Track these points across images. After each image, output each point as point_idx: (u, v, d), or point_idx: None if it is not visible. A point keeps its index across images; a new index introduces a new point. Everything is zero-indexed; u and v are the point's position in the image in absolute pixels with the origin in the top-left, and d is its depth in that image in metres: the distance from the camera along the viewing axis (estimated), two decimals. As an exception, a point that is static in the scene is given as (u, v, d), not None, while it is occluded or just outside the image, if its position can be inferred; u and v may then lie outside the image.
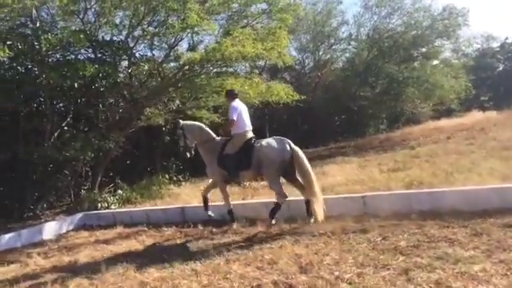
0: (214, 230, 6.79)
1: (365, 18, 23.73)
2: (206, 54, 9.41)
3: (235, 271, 4.65)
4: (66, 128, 10.92)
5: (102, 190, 11.02)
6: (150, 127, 12.94)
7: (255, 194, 9.54)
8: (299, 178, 6.48)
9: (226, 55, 9.08)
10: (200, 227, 7.07)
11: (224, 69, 11.17)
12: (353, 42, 24.28)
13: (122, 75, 10.30)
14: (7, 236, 7.72)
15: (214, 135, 7.09)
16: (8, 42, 7.63)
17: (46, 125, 9.93)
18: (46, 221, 9.28)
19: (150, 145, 14.52)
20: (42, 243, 7.76)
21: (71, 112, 11.22)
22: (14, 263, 6.42)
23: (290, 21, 10.80)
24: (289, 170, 6.46)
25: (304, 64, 24.45)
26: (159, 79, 11.81)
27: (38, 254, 6.81)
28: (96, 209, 9.74)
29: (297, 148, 6.52)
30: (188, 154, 7.15)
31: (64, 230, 8.58)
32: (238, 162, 6.56)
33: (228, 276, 4.53)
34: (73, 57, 9.07)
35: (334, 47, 25.29)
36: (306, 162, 6.46)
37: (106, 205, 10.05)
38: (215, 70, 11.00)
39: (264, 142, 6.63)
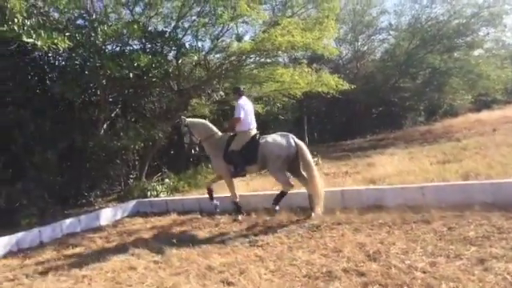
0: (267, 218, 6.86)
1: (406, 7, 23.23)
2: (256, 43, 9.46)
3: (300, 258, 4.70)
4: (116, 118, 11.23)
5: (149, 179, 11.29)
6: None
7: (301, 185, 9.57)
8: (303, 173, 6.75)
9: (276, 45, 9.12)
10: (253, 216, 7.15)
11: (267, 59, 11.20)
12: (393, 32, 23.79)
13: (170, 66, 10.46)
14: (68, 221, 8.04)
15: (218, 131, 7.40)
16: (67, 33, 7.87)
17: (100, 115, 10.24)
18: (100, 208, 9.61)
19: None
20: (100, 228, 8.05)
21: (120, 102, 11.51)
22: (78, 247, 6.69)
23: (338, 10, 10.71)
24: (293, 164, 6.77)
25: (342, 55, 24.12)
26: (204, 70, 11.94)
27: (100, 238, 7.07)
28: (146, 197, 10.00)
29: (301, 143, 6.83)
30: (193, 150, 7.51)
31: (119, 217, 8.86)
32: (243, 158, 6.90)
33: (294, 262, 4.59)
34: (128, 48, 9.31)
35: (372, 37, 24.89)
36: (309, 156, 6.75)
37: (156, 193, 10.31)
38: (261, 60, 11.05)
39: (269, 138, 6.91)
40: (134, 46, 9.87)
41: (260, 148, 6.81)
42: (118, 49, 9.48)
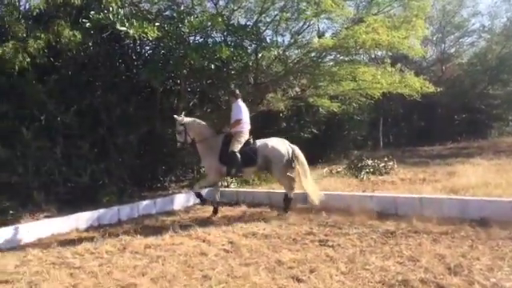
0: (340, 218, 6.71)
1: (501, 9, 21.63)
2: (338, 40, 9.27)
3: (374, 263, 4.52)
4: (193, 108, 11.55)
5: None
6: (268, 112, 13.14)
7: (375, 188, 9.27)
8: (298, 169, 7.39)
9: (359, 42, 8.87)
10: (324, 214, 7.03)
11: (348, 57, 10.93)
12: (485, 35, 22.26)
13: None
14: (144, 203, 8.43)
15: (213, 132, 7.58)
16: (156, 24, 8.20)
17: (179, 103, 10.58)
18: (173, 193, 9.96)
19: (265, 129, 14.76)
20: (173, 213, 8.34)
21: (198, 93, 11.83)
22: (153, 228, 6.96)
23: (428, 9, 10.19)
24: (289, 165, 7.41)
25: (426, 56, 23.00)
26: (282, 65, 11.90)
27: (173, 221, 7.31)
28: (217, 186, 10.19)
29: (294, 146, 7.54)
30: (184, 151, 7.69)
31: (191, 203, 9.12)
32: (243, 159, 7.09)
33: (367, 267, 4.43)
34: (211, 40, 9.52)
35: (461, 39, 23.47)
36: (302, 156, 7.51)
37: (226, 184, 10.48)
38: (341, 58, 10.81)
39: (269, 142, 7.38)
40: (216, 39, 10.06)
41: (261, 151, 7.25)
42: (201, 40, 9.71)
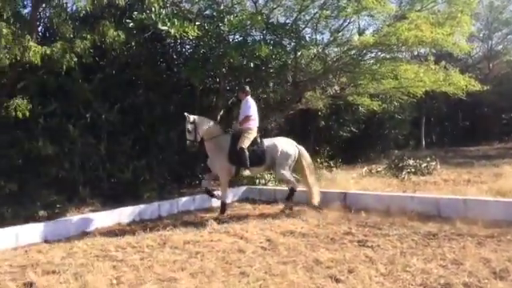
0: (379, 219, 6.60)
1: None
2: (380, 37, 9.10)
3: (415, 265, 4.42)
4: (232, 106, 11.63)
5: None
6: (307, 111, 13.07)
7: (417, 189, 9.06)
8: (305, 170, 7.64)
9: (402, 40, 8.67)
10: (363, 214, 6.94)
11: (389, 55, 10.71)
12: (536, 31, 21.23)
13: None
14: (183, 199, 8.60)
15: (222, 130, 7.54)
16: (197, 23, 8.33)
17: (218, 102, 10.70)
18: (212, 190, 10.05)
19: (304, 128, 14.73)
20: (211, 209, 8.45)
21: (236, 91, 11.89)
22: (192, 224, 7.07)
23: (474, 5, 9.83)
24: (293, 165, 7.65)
25: (472, 53, 22.18)
26: (321, 63, 11.79)
27: (211, 218, 7.39)
28: (254, 184, 10.25)
29: (300, 146, 7.80)
30: (193, 149, 7.46)
31: (229, 201, 9.16)
32: (251, 158, 7.09)
33: (408, 269, 4.33)
34: (250, 38, 9.57)
35: (509, 36, 22.46)
36: (308, 156, 7.82)
37: (264, 181, 10.51)
38: (382, 56, 10.61)
39: (277, 142, 7.55)
40: (256, 37, 10.09)
41: (269, 151, 7.35)
42: (240, 39, 9.77)
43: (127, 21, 8.16)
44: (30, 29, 7.25)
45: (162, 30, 7.96)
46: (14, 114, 7.00)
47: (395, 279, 4.08)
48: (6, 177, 7.35)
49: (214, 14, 9.12)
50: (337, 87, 12.99)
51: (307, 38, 10.20)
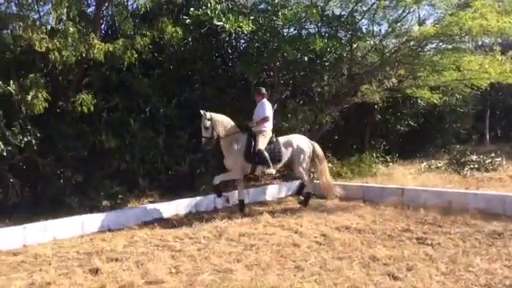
0: (439, 217, 6.36)
1: None
2: (441, 27, 8.70)
3: (478, 265, 4.25)
4: (286, 100, 11.60)
5: (313, 162, 11.44)
6: (362, 104, 12.76)
7: (480, 185, 8.64)
8: (319, 165, 7.92)
9: (465, 29, 8.26)
10: (422, 211, 6.72)
11: (452, 45, 10.20)
12: None
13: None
14: (236, 192, 8.69)
15: (237, 129, 7.41)
16: (251, 17, 8.36)
17: (272, 95, 10.69)
18: (265, 183, 10.14)
19: (359, 122, 14.42)
20: (265, 203, 8.53)
21: (290, 85, 11.84)
22: (247, 217, 7.17)
23: (549, -11, 9.14)
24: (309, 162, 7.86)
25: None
26: (378, 55, 11.46)
27: (265, 212, 7.43)
28: (308, 179, 10.19)
29: (314, 142, 8.07)
30: (208, 146, 7.39)
31: (283, 195, 9.26)
32: (270, 156, 7.20)
33: (471, 269, 4.16)
34: (304, 31, 9.49)
35: None
36: (322, 153, 8.03)
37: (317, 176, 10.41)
38: (443, 46, 10.15)
39: (291, 138, 7.78)
40: (310, 30, 9.98)
41: (284, 148, 7.50)
42: (294, 32, 9.70)
43: (184, 17, 8.34)
44: (94, 27, 7.61)
45: (218, 26, 8.07)
46: (79, 108, 7.37)
47: (457, 279, 3.94)
48: (72, 168, 7.77)
49: (269, 7, 9.08)
50: (394, 80, 12.57)
51: (364, 30, 9.96)
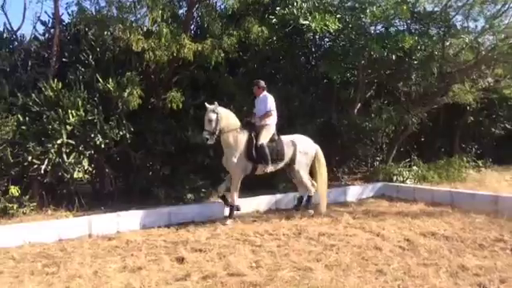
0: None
1: None
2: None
3: None
4: (369, 99, 11.32)
5: (396, 164, 11.04)
6: (453, 105, 12.05)
7: None
8: (318, 170, 7.38)
9: None
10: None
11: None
12: None
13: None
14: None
15: (239, 124, 6.97)
16: (337, 16, 8.26)
17: (356, 95, 10.51)
18: (346, 184, 9.97)
19: (449, 123, 13.63)
20: (346, 204, 8.39)
21: (375, 84, 11.52)
22: (326, 217, 7.12)
23: None
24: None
25: None
26: (473, 53, 10.75)
27: (346, 213, 7.31)
28: (391, 181, 9.87)
29: (316, 145, 7.49)
30: (210, 141, 6.75)
31: (364, 196, 9.05)
32: (271, 154, 6.83)
33: None
34: (393, 28, 9.19)
35: None
36: (323, 158, 7.47)
37: (402, 179, 10.05)
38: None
39: (295, 138, 7.27)
40: (399, 27, 9.63)
41: (287, 148, 7.07)
42: (382, 30, 9.42)
43: (270, 17, 8.45)
44: (184, 28, 8.00)
45: (303, 25, 8.06)
46: (169, 105, 7.78)
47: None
48: (160, 161, 8.25)
49: (356, 5, 8.90)
50: (490, 79, 11.75)
51: (458, 26, 9.39)
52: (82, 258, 5.05)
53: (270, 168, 7.01)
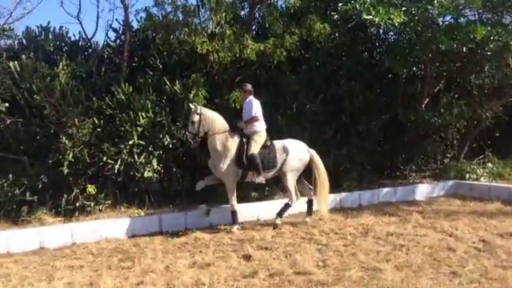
0: None
1: None
2: None
3: None
4: (438, 94, 10.82)
5: (469, 161, 10.49)
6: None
7: None
8: (316, 176, 6.85)
9: None
10: None
11: None
12: None
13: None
14: (384, 190, 8.47)
15: (228, 127, 6.61)
16: (403, 8, 7.98)
17: (423, 89, 10.11)
18: (414, 182, 9.63)
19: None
20: (414, 203, 8.11)
21: (444, 77, 10.99)
22: (394, 216, 6.93)
23: None
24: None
25: None
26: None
27: (415, 212, 7.07)
28: (463, 179, 9.40)
29: (312, 150, 7.00)
30: (194, 144, 6.46)
31: (435, 195, 8.71)
32: (263, 162, 6.46)
33: None
34: (463, 19, 8.72)
35: None
36: (322, 164, 6.97)
37: (475, 176, 9.53)
38: None
39: (287, 143, 6.80)
40: (470, 17, 9.11)
41: (278, 152, 6.66)
42: (451, 21, 8.97)
43: (332, 13, 8.34)
44: (247, 28, 8.11)
45: (366, 20, 7.87)
46: (233, 105, 7.91)
47: None
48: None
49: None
50: None
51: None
52: (154, 254, 5.29)
53: (261, 178, 6.59)
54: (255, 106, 6.71)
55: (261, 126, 6.71)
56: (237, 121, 6.98)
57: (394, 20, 7.65)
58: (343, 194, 8.09)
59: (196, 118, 6.45)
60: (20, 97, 7.07)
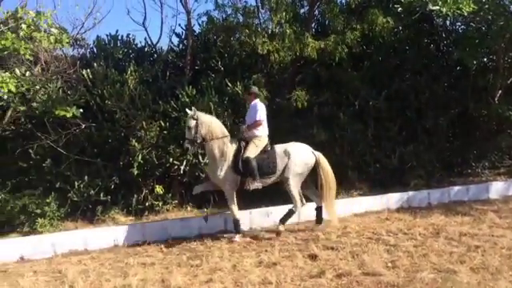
0: None
1: None
2: None
3: None
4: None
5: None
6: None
7: None
8: (323, 180, 6.40)
9: None
10: None
11: None
12: None
13: None
14: (455, 188, 8.09)
15: (226, 133, 6.25)
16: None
17: (496, 81, 9.52)
18: (488, 180, 9.10)
19: None
20: (488, 201, 7.68)
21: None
22: (467, 216, 6.59)
23: None
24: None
25: None
26: None
27: (490, 211, 6.68)
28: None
29: (318, 153, 6.53)
30: (191, 149, 6.06)
31: (511, 193, 8.18)
32: (261, 168, 6.09)
33: None
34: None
35: None
36: (329, 167, 6.49)
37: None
38: None
39: (290, 147, 6.39)
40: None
41: (281, 157, 6.26)
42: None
43: (395, 6, 8.09)
44: (306, 27, 8.06)
45: (432, 10, 7.54)
46: (294, 104, 7.89)
47: None
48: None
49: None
50: None
51: None
52: (221, 253, 5.40)
53: (257, 184, 6.11)
54: (260, 110, 6.36)
55: (262, 131, 6.35)
56: (291, 121, 6.92)
57: (462, 9, 7.27)
58: (410, 193, 7.81)
59: (192, 123, 6.10)
60: (93, 102, 7.50)
